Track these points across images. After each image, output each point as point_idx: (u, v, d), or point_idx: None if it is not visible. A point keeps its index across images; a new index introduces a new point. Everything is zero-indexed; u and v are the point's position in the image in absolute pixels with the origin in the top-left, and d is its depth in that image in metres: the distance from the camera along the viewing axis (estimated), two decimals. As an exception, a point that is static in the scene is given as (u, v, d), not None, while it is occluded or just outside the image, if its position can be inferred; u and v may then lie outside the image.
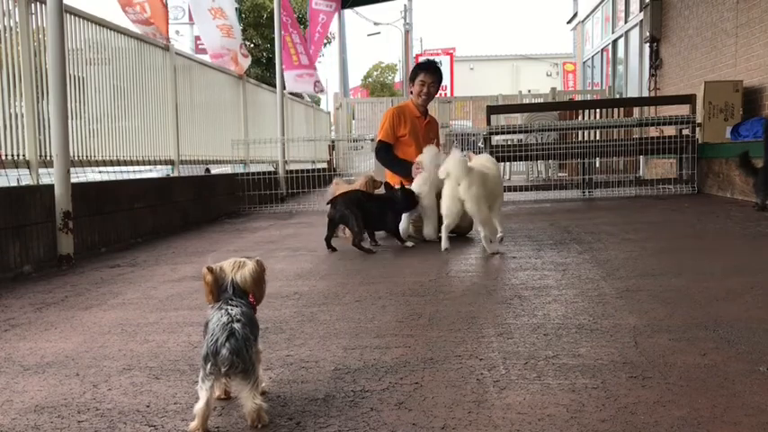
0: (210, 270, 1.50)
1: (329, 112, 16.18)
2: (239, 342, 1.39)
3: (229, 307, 1.46)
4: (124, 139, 5.15)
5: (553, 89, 13.84)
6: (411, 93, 4.80)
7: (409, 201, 4.05)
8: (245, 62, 8.42)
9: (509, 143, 8.93)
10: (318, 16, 12.91)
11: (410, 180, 4.36)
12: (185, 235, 5.15)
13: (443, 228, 3.86)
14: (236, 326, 1.41)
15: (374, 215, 4.02)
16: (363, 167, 11.73)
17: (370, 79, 42.08)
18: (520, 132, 9.03)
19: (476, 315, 2.31)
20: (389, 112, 4.71)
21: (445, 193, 3.80)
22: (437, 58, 26.91)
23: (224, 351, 1.37)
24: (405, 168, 4.50)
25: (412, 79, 4.75)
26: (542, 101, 12.99)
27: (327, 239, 4.00)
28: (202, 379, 1.40)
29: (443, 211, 3.86)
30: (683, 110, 7.84)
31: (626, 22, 13.15)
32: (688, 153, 7.32)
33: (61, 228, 3.74)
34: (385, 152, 4.63)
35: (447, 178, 3.77)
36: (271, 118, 9.48)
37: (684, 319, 2.16)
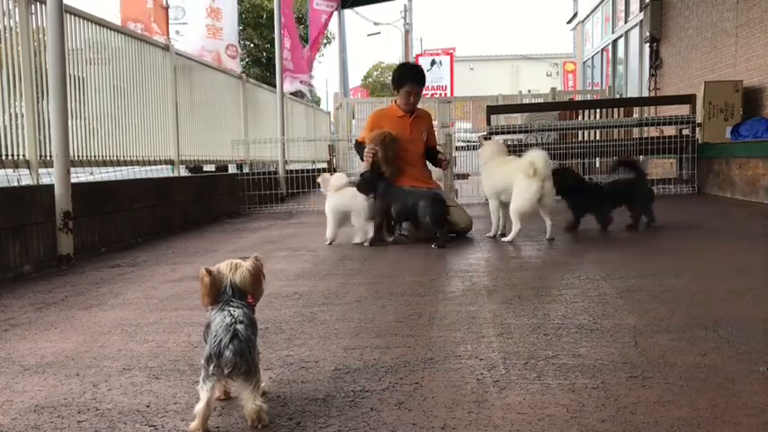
0: (209, 272, 1.50)
1: (329, 112, 16.17)
2: (242, 344, 1.39)
3: (231, 308, 1.45)
4: (124, 139, 5.15)
5: (553, 89, 13.82)
6: (395, 95, 4.75)
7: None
8: (233, 63, 8.37)
9: (509, 143, 8.92)
10: (320, 17, 12.92)
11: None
12: (185, 235, 5.15)
13: (517, 231, 3.99)
14: (240, 327, 1.41)
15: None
16: (363, 167, 11.72)
17: (370, 79, 42.10)
18: (520, 132, 9.03)
19: (476, 315, 2.31)
20: (372, 116, 4.80)
21: (531, 189, 3.85)
22: (437, 59, 26.88)
23: (227, 353, 1.37)
24: (360, 151, 4.64)
25: (397, 85, 4.68)
26: (542, 101, 12.97)
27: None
28: (203, 379, 1.40)
29: (524, 209, 3.93)
30: (683, 110, 7.84)
31: (626, 22, 13.16)
32: (688, 153, 7.32)
33: (61, 228, 3.74)
34: (357, 147, 4.73)
35: (534, 175, 3.84)
36: (271, 118, 9.48)
37: (684, 319, 2.16)
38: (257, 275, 1.53)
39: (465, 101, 14.66)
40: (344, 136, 12.86)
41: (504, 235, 4.25)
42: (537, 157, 3.93)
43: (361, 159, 4.64)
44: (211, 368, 1.38)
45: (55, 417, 1.54)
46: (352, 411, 1.50)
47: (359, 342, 2.04)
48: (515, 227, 4.02)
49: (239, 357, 1.38)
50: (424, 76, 4.84)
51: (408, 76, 4.71)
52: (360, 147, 4.67)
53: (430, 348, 1.95)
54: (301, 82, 11.82)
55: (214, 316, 1.46)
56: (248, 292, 1.53)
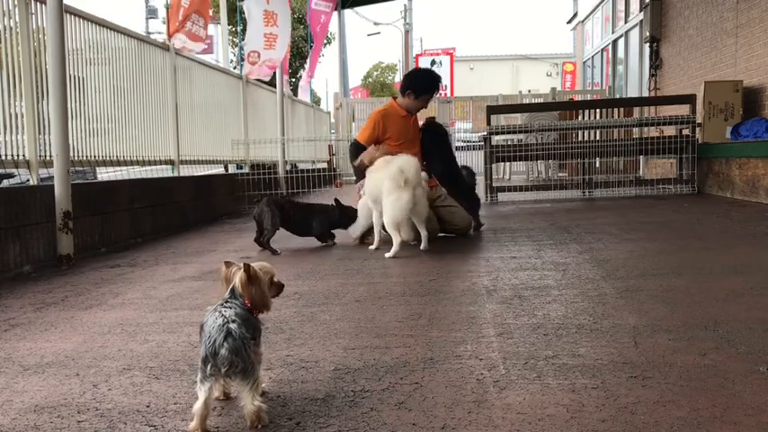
0: (227, 264, 1.58)
1: (329, 112, 16.18)
2: (237, 341, 1.39)
3: (223, 309, 1.47)
4: (124, 139, 5.15)
5: (553, 89, 13.84)
6: (406, 98, 4.56)
7: (347, 218, 4.31)
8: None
9: (509, 143, 8.93)
10: (320, 17, 12.91)
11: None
12: (185, 235, 5.15)
13: (398, 244, 3.74)
14: (232, 326, 1.41)
15: (297, 222, 4.24)
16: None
17: (370, 79, 42.09)
18: (520, 132, 9.03)
19: (476, 315, 2.31)
20: (374, 116, 4.57)
21: (403, 199, 3.65)
22: (437, 58, 26.90)
23: (223, 351, 1.38)
24: (358, 175, 4.52)
25: (417, 93, 4.52)
26: (542, 101, 12.98)
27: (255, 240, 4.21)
28: (201, 380, 1.40)
29: (397, 220, 3.71)
30: (683, 110, 7.84)
31: (626, 22, 13.16)
32: (688, 153, 7.32)
33: (61, 228, 3.74)
34: (355, 149, 4.55)
35: (405, 185, 3.66)
36: (271, 118, 9.48)
37: (684, 319, 2.16)
38: (251, 280, 1.54)
39: (465, 101, 14.67)
40: (344, 136, 12.88)
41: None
42: (406, 164, 3.68)
43: (353, 162, 4.52)
44: (209, 368, 1.39)
45: (55, 417, 1.54)
46: (352, 411, 1.50)
47: (359, 342, 2.04)
48: (395, 240, 3.68)
49: (235, 355, 1.38)
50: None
51: (433, 88, 4.63)
52: (358, 149, 4.50)
53: (430, 348, 1.95)
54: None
55: (207, 317, 1.47)
56: (243, 295, 1.53)
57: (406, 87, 4.63)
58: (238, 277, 1.54)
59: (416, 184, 3.69)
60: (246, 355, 1.40)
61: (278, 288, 1.65)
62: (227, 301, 1.51)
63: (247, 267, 1.54)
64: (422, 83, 4.59)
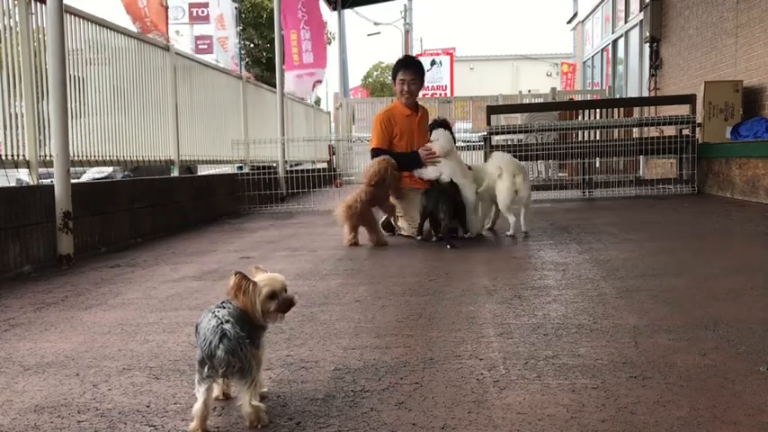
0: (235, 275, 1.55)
1: (329, 113, 16.18)
2: (232, 342, 1.39)
3: (217, 309, 1.47)
4: (124, 138, 5.15)
5: (553, 89, 13.83)
6: (395, 89, 4.70)
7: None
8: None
9: (509, 143, 8.93)
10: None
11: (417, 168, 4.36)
12: (185, 235, 5.15)
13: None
14: (227, 327, 1.41)
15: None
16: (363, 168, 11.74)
17: (370, 79, 42.09)
18: (520, 132, 9.03)
19: (476, 315, 2.31)
20: (378, 117, 4.59)
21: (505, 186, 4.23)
22: (437, 58, 26.88)
23: (219, 353, 1.38)
24: (411, 159, 4.34)
25: (393, 78, 4.71)
26: (542, 101, 12.98)
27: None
28: (199, 382, 1.40)
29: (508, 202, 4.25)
30: (683, 110, 7.85)
31: (626, 22, 13.16)
32: (688, 153, 7.32)
33: (61, 228, 3.74)
34: (376, 155, 4.44)
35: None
36: (271, 118, 9.48)
37: (684, 319, 2.16)
38: (232, 290, 1.51)
39: (465, 101, 14.65)
40: (344, 136, 12.88)
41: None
42: (502, 159, 4.36)
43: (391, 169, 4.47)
44: (206, 370, 1.39)
45: (55, 417, 1.54)
46: (352, 411, 1.50)
47: (359, 342, 2.04)
48: (510, 220, 4.37)
49: (232, 356, 1.38)
50: (416, 64, 4.81)
51: (401, 64, 4.70)
52: (379, 155, 4.37)
53: (430, 348, 1.95)
54: (316, 82, 11.81)
55: (201, 318, 1.47)
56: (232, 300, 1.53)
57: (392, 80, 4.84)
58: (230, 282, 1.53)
59: (515, 173, 4.24)
60: (243, 355, 1.40)
61: (284, 303, 1.53)
62: (222, 302, 1.51)
63: (237, 275, 1.50)
64: (393, 67, 4.79)
